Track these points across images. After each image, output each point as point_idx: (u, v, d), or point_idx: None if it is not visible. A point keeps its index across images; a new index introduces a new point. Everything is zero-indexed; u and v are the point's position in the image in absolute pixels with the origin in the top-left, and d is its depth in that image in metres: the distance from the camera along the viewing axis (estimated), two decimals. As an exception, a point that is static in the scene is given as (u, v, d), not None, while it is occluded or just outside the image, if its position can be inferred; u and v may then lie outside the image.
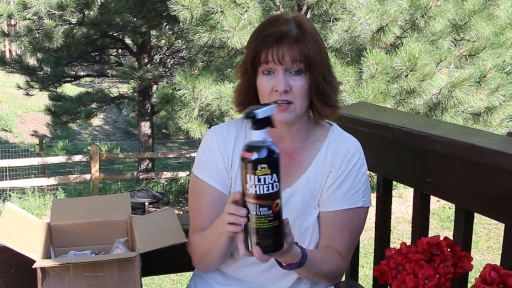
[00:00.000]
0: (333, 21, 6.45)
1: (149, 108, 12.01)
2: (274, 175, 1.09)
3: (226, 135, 1.45)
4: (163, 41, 12.66)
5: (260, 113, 1.10)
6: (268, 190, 1.09)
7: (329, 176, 1.41)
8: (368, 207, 1.44)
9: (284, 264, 1.26)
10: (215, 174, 1.43)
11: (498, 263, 1.13)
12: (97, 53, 13.15)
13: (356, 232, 1.42)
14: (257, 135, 1.11)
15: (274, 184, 1.09)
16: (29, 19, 9.89)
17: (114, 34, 11.81)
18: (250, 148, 1.09)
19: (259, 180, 1.09)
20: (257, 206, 1.10)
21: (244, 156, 1.10)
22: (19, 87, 11.94)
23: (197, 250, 1.44)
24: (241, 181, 1.12)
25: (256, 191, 1.09)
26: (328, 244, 1.41)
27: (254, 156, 1.09)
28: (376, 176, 1.92)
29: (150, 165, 12.19)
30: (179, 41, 11.94)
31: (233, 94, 1.47)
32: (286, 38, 1.31)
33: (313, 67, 1.32)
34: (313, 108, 1.40)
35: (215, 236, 1.34)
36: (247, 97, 1.41)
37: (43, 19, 10.08)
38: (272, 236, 1.13)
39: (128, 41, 12.94)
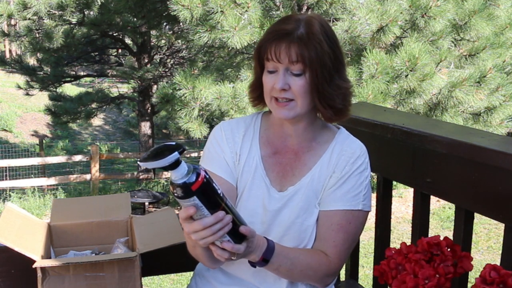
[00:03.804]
0: (333, 21, 6.45)
1: (149, 108, 12.01)
2: (192, 198, 1.09)
3: (236, 131, 1.47)
4: (163, 41, 12.67)
5: (154, 164, 1.06)
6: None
7: (332, 176, 1.41)
8: (367, 212, 1.44)
9: (254, 262, 1.28)
10: (223, 166, 1.43)
11: (498, 263, 1.13)
12: (97, 53, 13.15)
13: (352, 235, 1.41)
14: (173, 175, 1.08)
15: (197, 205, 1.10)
16: (29, 19, 9.89)
17: (114, 34, 11.82)
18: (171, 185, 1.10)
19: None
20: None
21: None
22: (19, 87, 11.93)
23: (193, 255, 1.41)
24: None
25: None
26: (318, 245, 1.40)
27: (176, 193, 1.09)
28: (376, 176, 1.92)
29: (150, 165, 12.17)
30: (179, 41, 11.94)
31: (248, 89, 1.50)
32: (287, 37, 1.31)
33: (313, 69, 1.32)
34: (317, 109, 1.40)
35: (192, 247, 1.32)
36: (255, 92, 1.45)
37: (43, 19, 10.09)
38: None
39: (128, 41, 12.94)
